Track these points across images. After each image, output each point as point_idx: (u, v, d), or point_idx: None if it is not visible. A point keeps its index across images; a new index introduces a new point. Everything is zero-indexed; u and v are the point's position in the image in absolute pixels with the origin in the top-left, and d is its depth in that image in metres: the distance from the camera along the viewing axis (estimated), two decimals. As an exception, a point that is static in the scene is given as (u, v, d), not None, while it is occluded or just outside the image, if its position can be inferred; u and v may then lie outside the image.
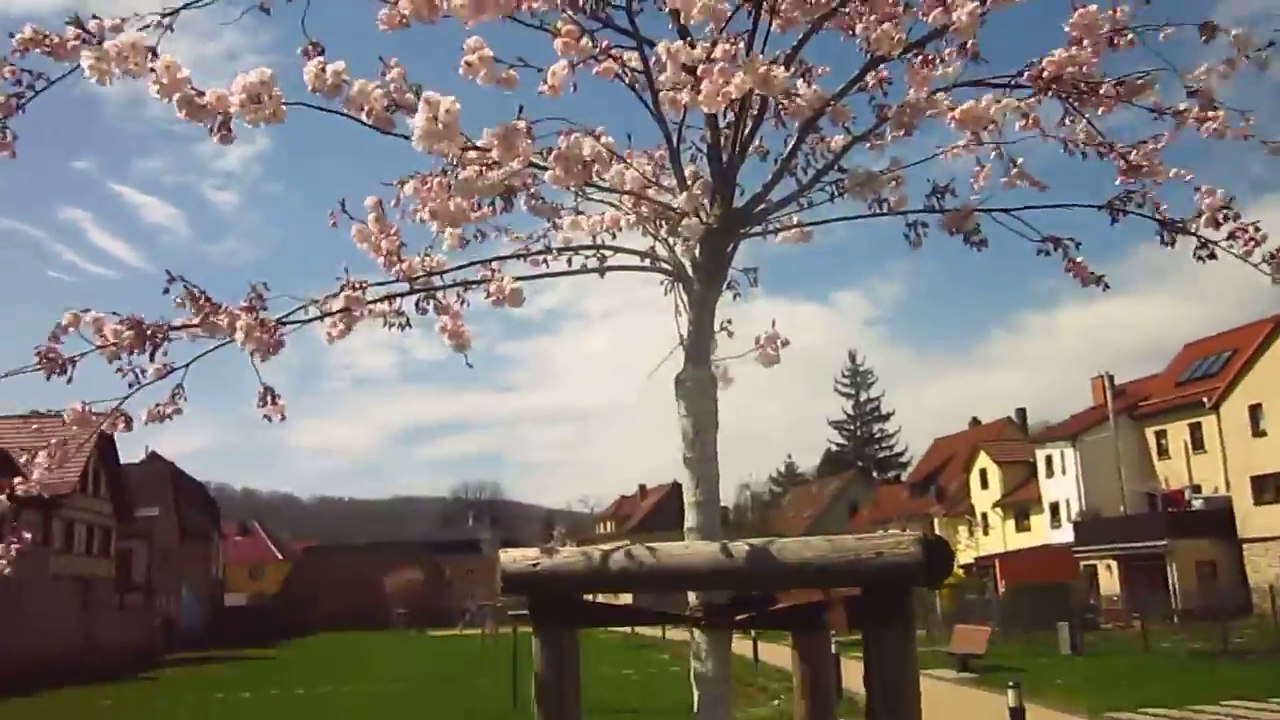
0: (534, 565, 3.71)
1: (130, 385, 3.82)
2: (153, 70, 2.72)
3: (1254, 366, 44.19)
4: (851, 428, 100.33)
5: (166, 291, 3.62)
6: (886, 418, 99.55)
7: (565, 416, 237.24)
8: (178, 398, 3.95)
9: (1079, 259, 4.15)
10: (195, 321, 3.85)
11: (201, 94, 2.74)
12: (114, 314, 3.79)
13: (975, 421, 79.04)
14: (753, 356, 4.02)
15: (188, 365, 3.92)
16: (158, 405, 3.95)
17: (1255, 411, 43.91)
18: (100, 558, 46.39)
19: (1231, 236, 3.98)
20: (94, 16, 3.17)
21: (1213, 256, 4.07)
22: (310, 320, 3.93)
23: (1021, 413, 74.94)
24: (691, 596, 3.79)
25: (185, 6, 3.29)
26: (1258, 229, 3.96)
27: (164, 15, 3.16)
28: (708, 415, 3.77)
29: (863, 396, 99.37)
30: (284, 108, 2.79)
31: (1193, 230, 4.05)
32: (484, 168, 2.98)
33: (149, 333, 3.85)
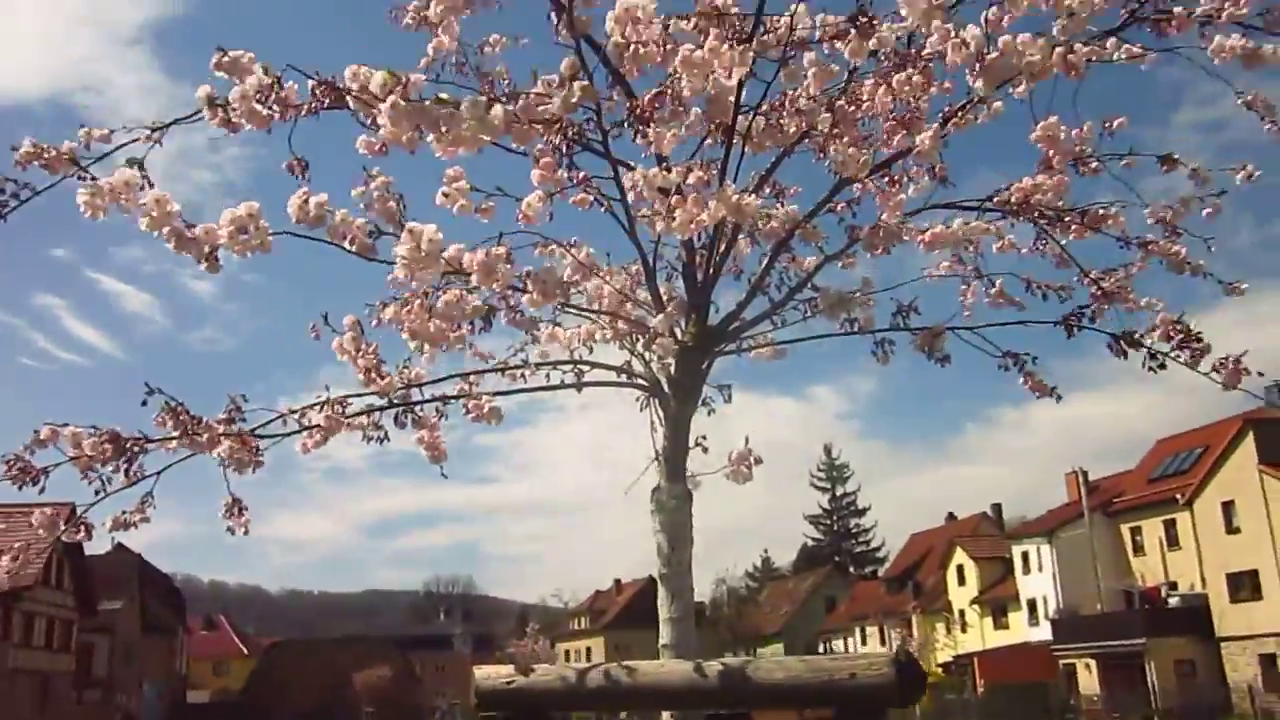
0: (509, 683, 3.68)
1: (97, 493, 3.80)
2: (143, 204, 2.79)
3: (1225, 464, 44.48)
4: (828, 522, 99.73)
5: (144, 404, 3.65)
6: (862, 512, 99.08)
7: (541, 509, 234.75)
8: (146, 505, 3.94)
9: (1034, 373, 4.25)
10: (174, 435, 3.86)
11: (191, 226, 2.81)
12: (92, 428, 3.79)
13: (951, 516, 78.83)
14: (726, 473, 4.06)
15: (158, 474, 3.92)
16: (124, 513, 3.94)
17: (1228, 508, 44.05)
18: (60, 653, 45.08)
19: (1180, 347, 4.10)
20: (82, 126, 3.27)
21: (1163, 367, 4.19)
22: (289, 434, 3.96)
23: (997, 508, 74.81)
24: (666, 716, 3.76)
25: (175, 122, 3.38)
26: (1200, 339, 4.08)
27: (153, 129, 3.25)
28: (683, 530, 3.80)
29: (838, 491, 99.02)
30: (270, 238, 2.86)
31: (1145, 344, 4.16)
32: (464, 293, 3.05)
33: (127, 446, 3.85)
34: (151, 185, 3.11)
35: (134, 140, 3.26)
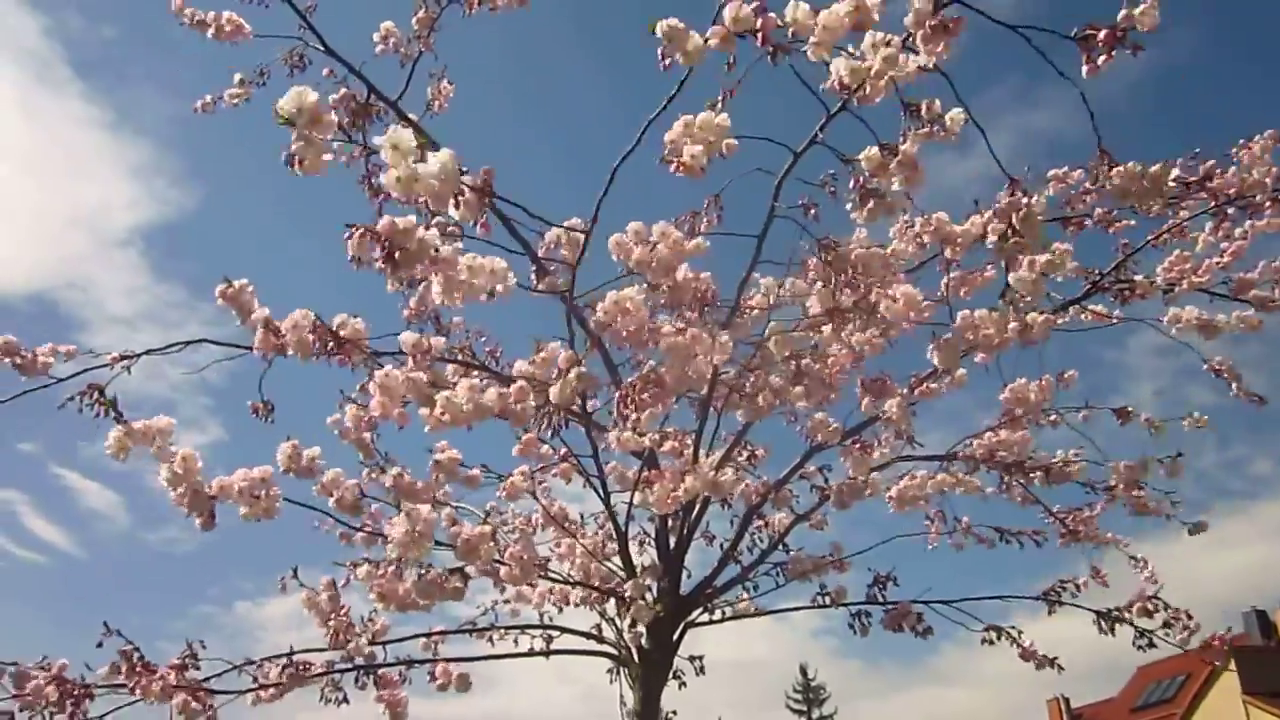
0: None
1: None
2: (170, 456, 2.80)
3: (1208, 694, 43.40)
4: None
5: (100, 645, 3.53)
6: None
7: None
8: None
9: (1029, 644, 4.20)
10: (124, 684, 3.73)
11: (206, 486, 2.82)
12: (41, 667, 3.66)
13: (932, 743, 75.83)
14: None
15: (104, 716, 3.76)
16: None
17: (1214, 740, 42.65)
18: None
19: (1166, 625, 4.09)
20: (54, 348, 3.31)
21: (1152, 645, 4.16)
22: (245, 691, 3.82)
23: (978, 735, 72.11)
24: None
25: (148, 352, 3.43)
26: (1190, 615, 4.07)
27: (123, 357, 3.30)
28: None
29: (815, 714, 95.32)
30: (278, 505, 2.88)
31: (1128, 619, 4.14)
32: (447, 573, 3.04)
33: (74, 692, 3.71)
34: (121, 417, 3.09)
35: (102, 365, 3.29)
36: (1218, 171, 3.95)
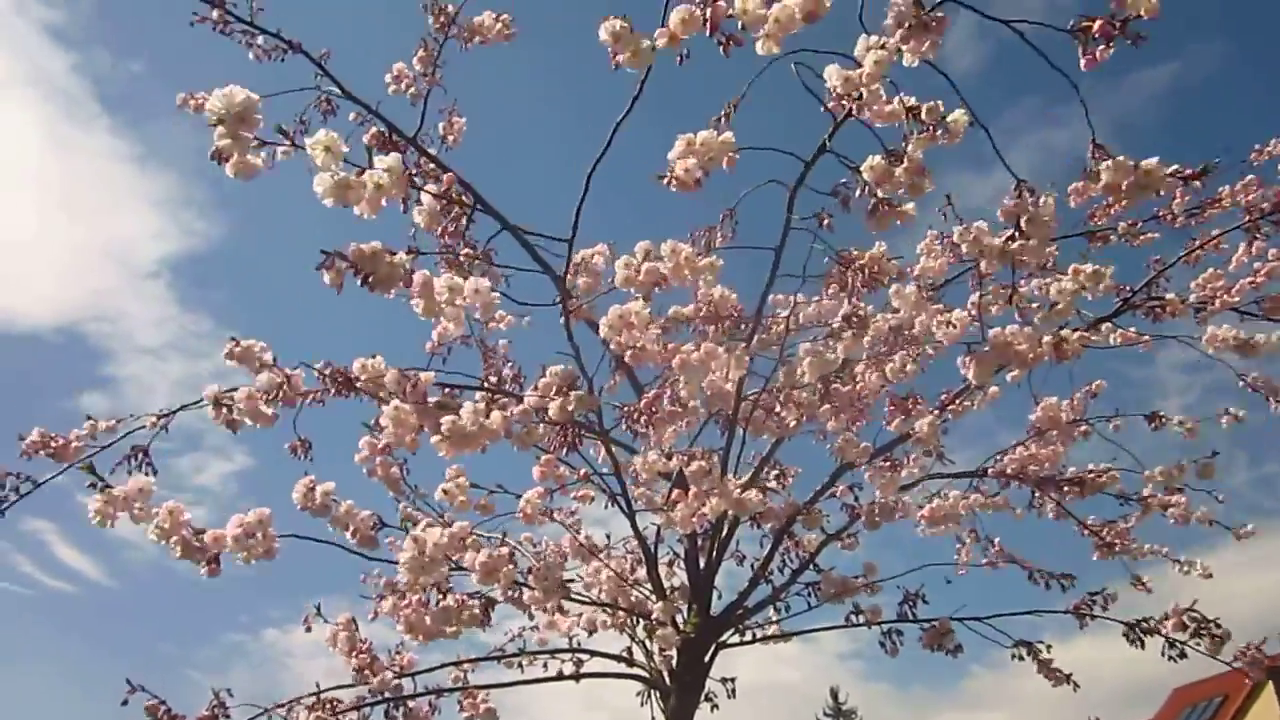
0: None
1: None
2: (155, 514, 2.79)
3: (1246, 716, 42.65)
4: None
5: (125, 704, 3.50)
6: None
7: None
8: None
9: (1049, 660, 4.13)
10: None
11: (200, 533, 2.80)
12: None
13: (965, 768, 74.87)
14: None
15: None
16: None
17: (1255, 763, 41.88)
18: None
19: (1196, 635, 3.99)
20: (89, 417, 3.30)
21: (1183, 656, 4.06)
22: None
23: (1012, 759, 71.15)
24: None
25: (183, 408, 3.43)
26: (1219, 625, 3.98)
27: (159, 416, 3.29)
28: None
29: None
30: (276, 545, 2.85)
31: (1161, 631, 4.06)
32: (465, 598, 3.01)
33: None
34: (155, 472, 3.10)
35: (139, 428, 3.29)
36: (1247, 186, 3.91)
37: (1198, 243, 4.08)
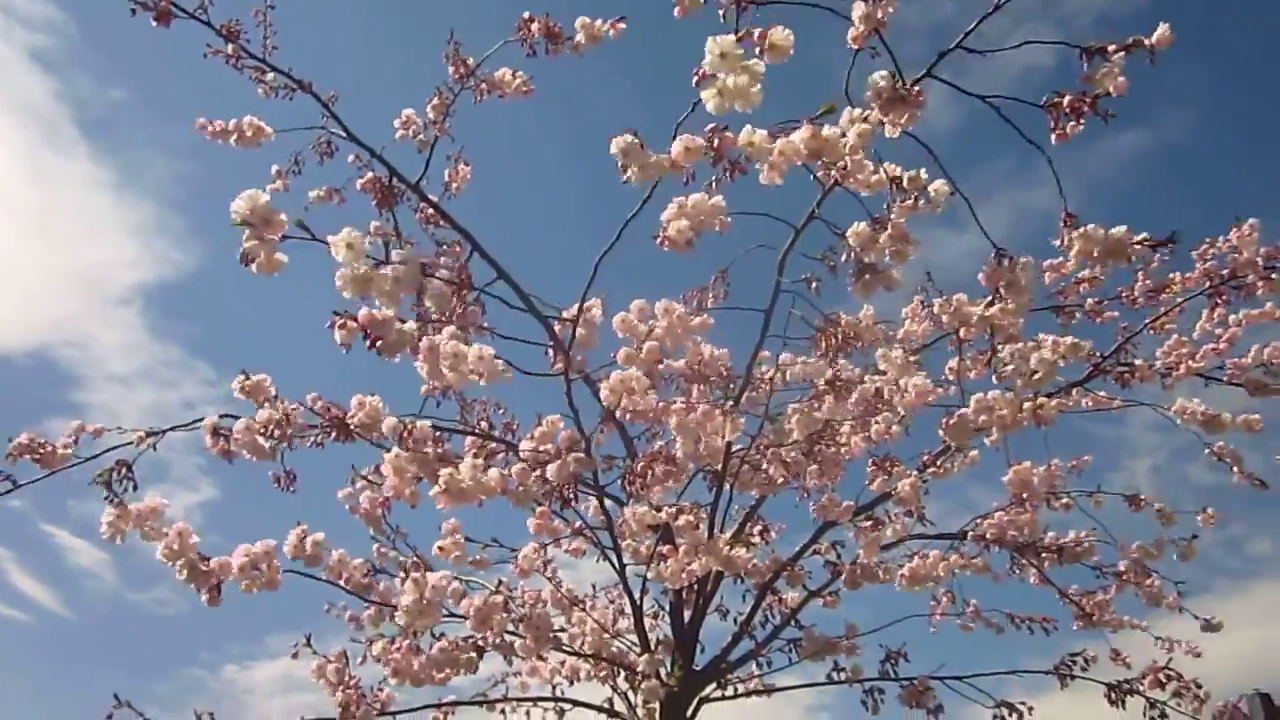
0: None
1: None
2: (166, 533, 2.82)
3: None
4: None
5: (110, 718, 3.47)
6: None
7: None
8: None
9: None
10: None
11: (206, 559, 2.83)
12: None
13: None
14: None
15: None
16: None
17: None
18: None
19: (1177, 695, 4.05)
20: (84, 427, 3.34)
21: (1164, 717, 4.12)
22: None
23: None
24: None
25: (173, 428, 3.46)
26: (1199, 685, 4.04)
27: (148, 434, 3.32)
28: None
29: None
30: (279, 577, 2.89)
31: (1140, 690, 4.11)
32: (459, 642, 3.06)
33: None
34: (136, 487, 3.12)
35: (126, 443, 3.31)
36: (1206, 252, 4.06)
37: (1163, 310, 4.23)
